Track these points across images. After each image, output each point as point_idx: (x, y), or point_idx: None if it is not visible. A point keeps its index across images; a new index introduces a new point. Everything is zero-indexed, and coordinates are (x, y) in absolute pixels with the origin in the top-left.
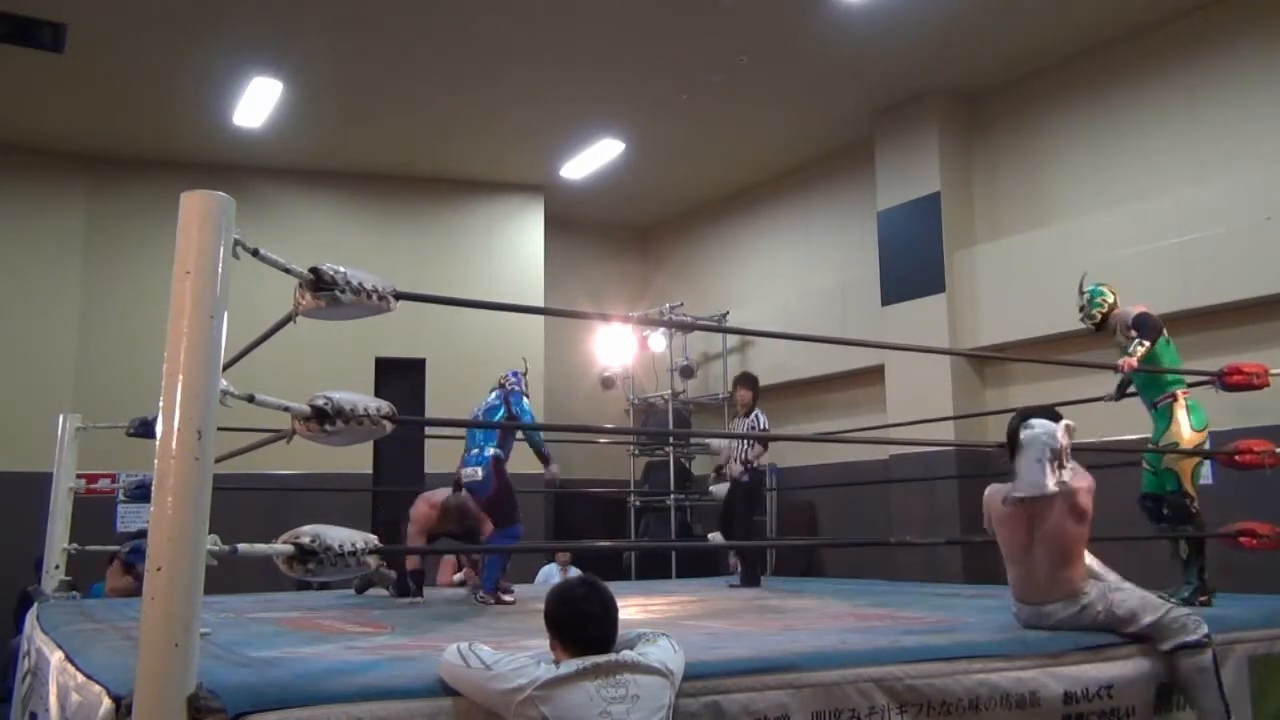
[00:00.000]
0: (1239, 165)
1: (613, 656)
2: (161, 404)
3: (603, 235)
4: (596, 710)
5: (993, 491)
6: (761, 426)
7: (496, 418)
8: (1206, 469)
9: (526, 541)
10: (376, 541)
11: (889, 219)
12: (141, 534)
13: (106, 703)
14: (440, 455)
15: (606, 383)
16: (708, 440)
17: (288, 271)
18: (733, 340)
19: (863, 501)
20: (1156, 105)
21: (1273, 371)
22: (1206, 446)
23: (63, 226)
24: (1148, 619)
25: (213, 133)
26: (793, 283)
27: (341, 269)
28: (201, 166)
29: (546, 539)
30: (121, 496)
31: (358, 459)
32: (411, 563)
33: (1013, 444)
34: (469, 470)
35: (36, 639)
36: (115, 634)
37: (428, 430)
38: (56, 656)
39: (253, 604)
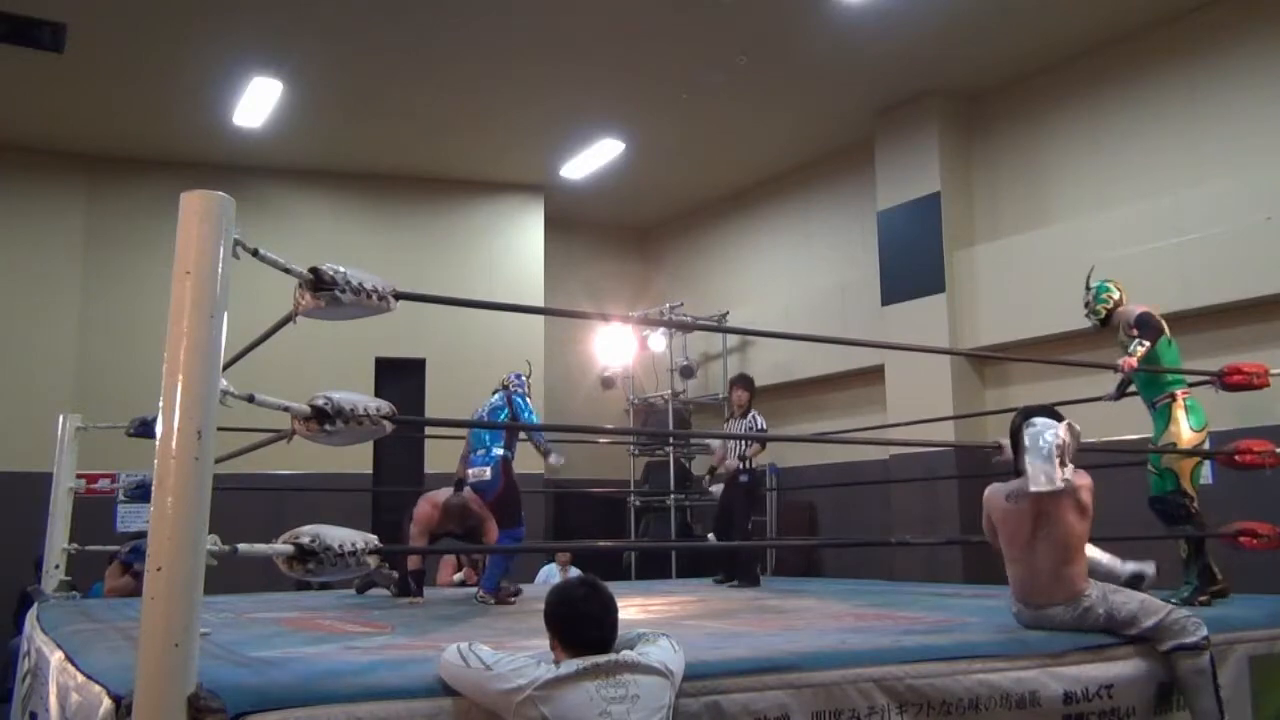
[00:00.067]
0: (1239, 165)
1: (613, 656)
2: (161, 404)
3: (603, 235)
4: (596, 710)
5: (994, 491)
6: (759, 428)
7: (501, 419)
8: (1206, 469)
9: (526, 542)
10: (376, 541)
11: (889, 219)
12: (141, 534)
13: (106, 703)
14: (440, 455)
15: (606, 383)
16: (708, 440)
17: (288, 271)
18: (733, 340)
19: (863, 501)
20: (1156, 105)
21: (1273, 371)
22: (1206, 446)
23: (63, 226)
24: (1148, 622)
25: (213, 133)
26: (793, 283)
27: (341, 269)
28: (201, 166)
29: (546, 539)
30: (121, 496)
31: (358, 459)
32: (413, 563)
33: (1015, 443)
34: (477, 470)
35: (36, 639)
36: (115, 634)
37: (428, 430)
38: (56, 656)
39: (253, 604)
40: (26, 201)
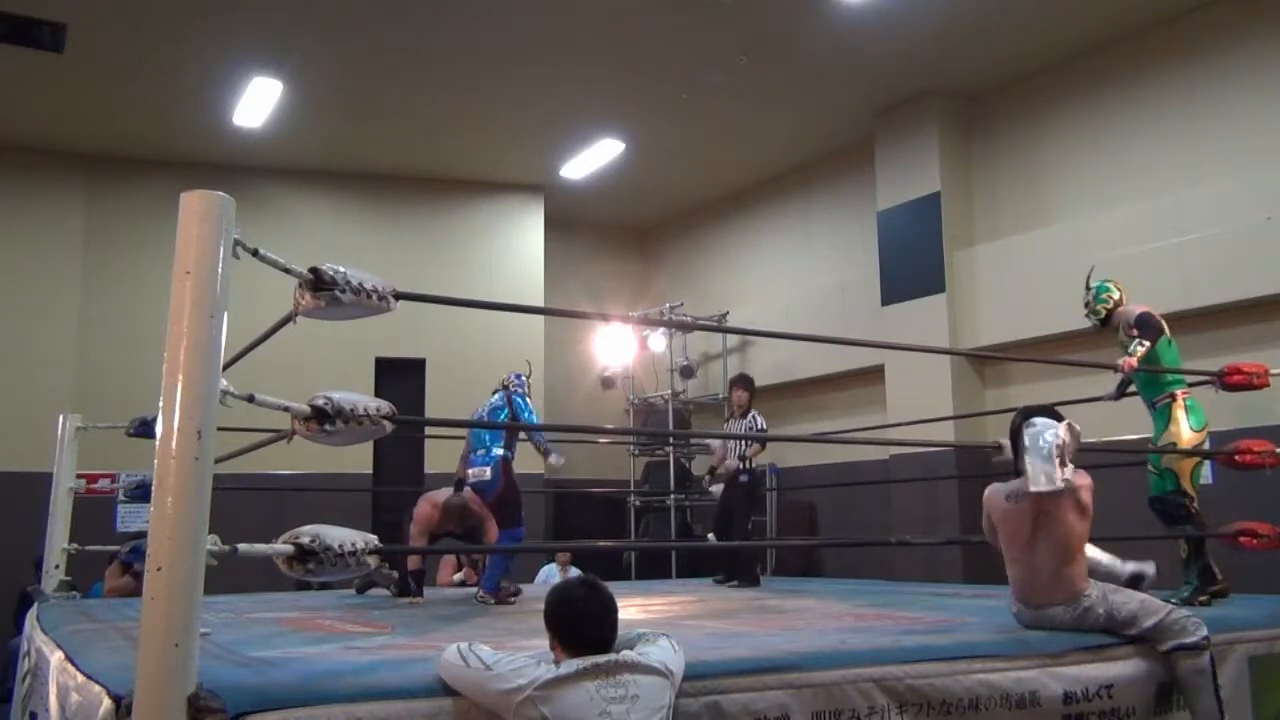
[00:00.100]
0: (1239, 165)
1: (613, 656)
2: (161, 404)
3: (603, 235)
4: (596, 710)
5: (994, 491)
6: (759, 428)
7: (501, 419)
8: (1206, 469)
9: (526, 542)
10: (376, 541)
11: (889, 219)
12: (141, 534)
13: (106, 703)
14: (440, 455)
15: (606, 383)
16: (708, 440)
17: (288, 271)
18: (733, 340)
19: (863, 501)
20: (1156, 105)
21: (1273, 371)
22: (1205, 446)
23: (63, 226)
24: (1148, 622)
25: (213, 133)
26: (793, 283)
27: (341, 269)
28: (201, 166)
29: (546, 539)
30: (121, 496)
31: (358, 459)
32: (413, 563)
33: (1015, 443)
34: (477, 470)
35: (36, 639)
36: (115, 634)
37: (428, 430)
38: (56, 656)
39: (253, 604)
40: (26, 201)
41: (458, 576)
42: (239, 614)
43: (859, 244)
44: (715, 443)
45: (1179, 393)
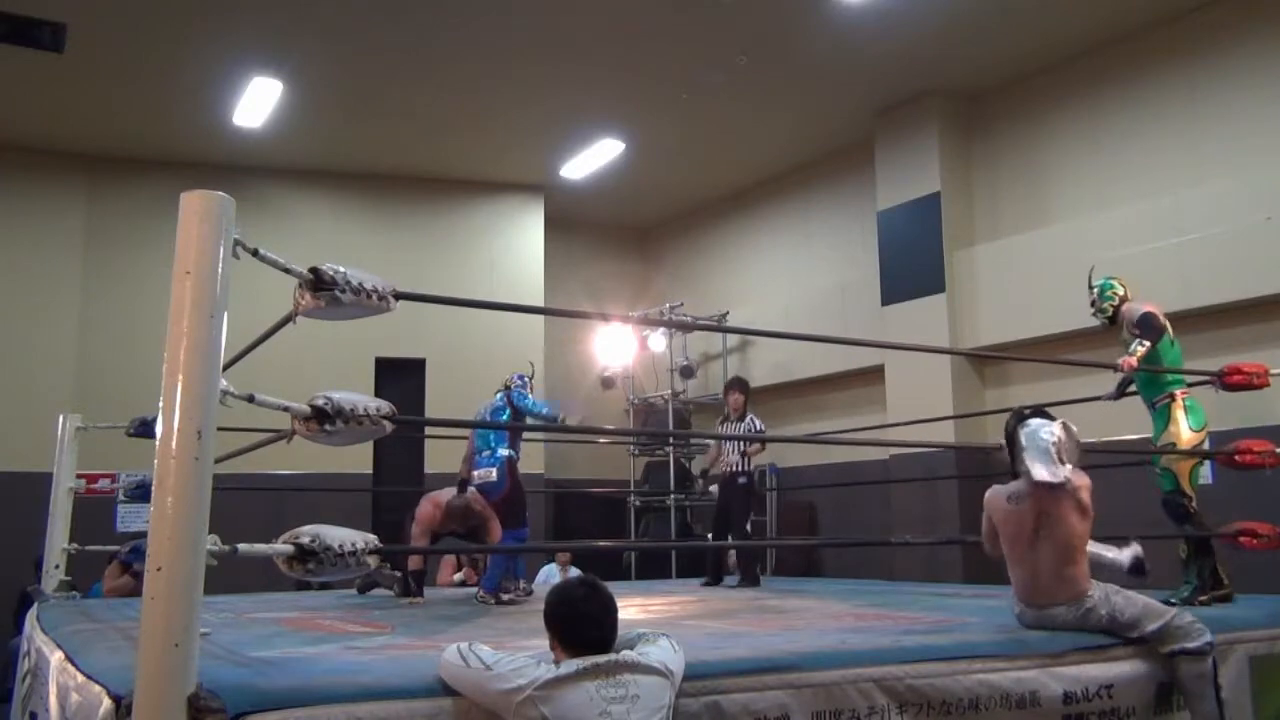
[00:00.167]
0: (1239, 165)
1: (613, 656)
2: (161, 404)
3: (603, 235)
4: (596, 710)
5: (994, 493)
6: (757, 430)
7: (503, 420)
8: (1206, 469)
9: (526, 542)
10: (376, 541)
11: (889, 219)
12: (141, 534)
13: (106, 703)
14: (440, 455)
15: (606, 383)
16: (708, 440)
17: (288, 271)
18: (733, 340)
19: (863, 501)
20: (1156, 105)
21: (1273, 371)
22: (1205, 446)
23: (63, 226)
24: (1150, 626)
25: (213, 133)
26: (793, 283)
27: (341, 269)
28: (201, 166)
29: (546, 539)
30: (121, 496)
31: (358, 459)
32: (414, 562)
33: (1011, 444)
34: (482, 472)
35: (36, 639)
36: (115, 634)
37: (428, 430)
38: (56, 656)
39: (253, 604)
40: (26, 201)
41: (458, 576)
42: (239, 614)
43: (859, 244)
44: (711, 442)
45: (1179, 393)
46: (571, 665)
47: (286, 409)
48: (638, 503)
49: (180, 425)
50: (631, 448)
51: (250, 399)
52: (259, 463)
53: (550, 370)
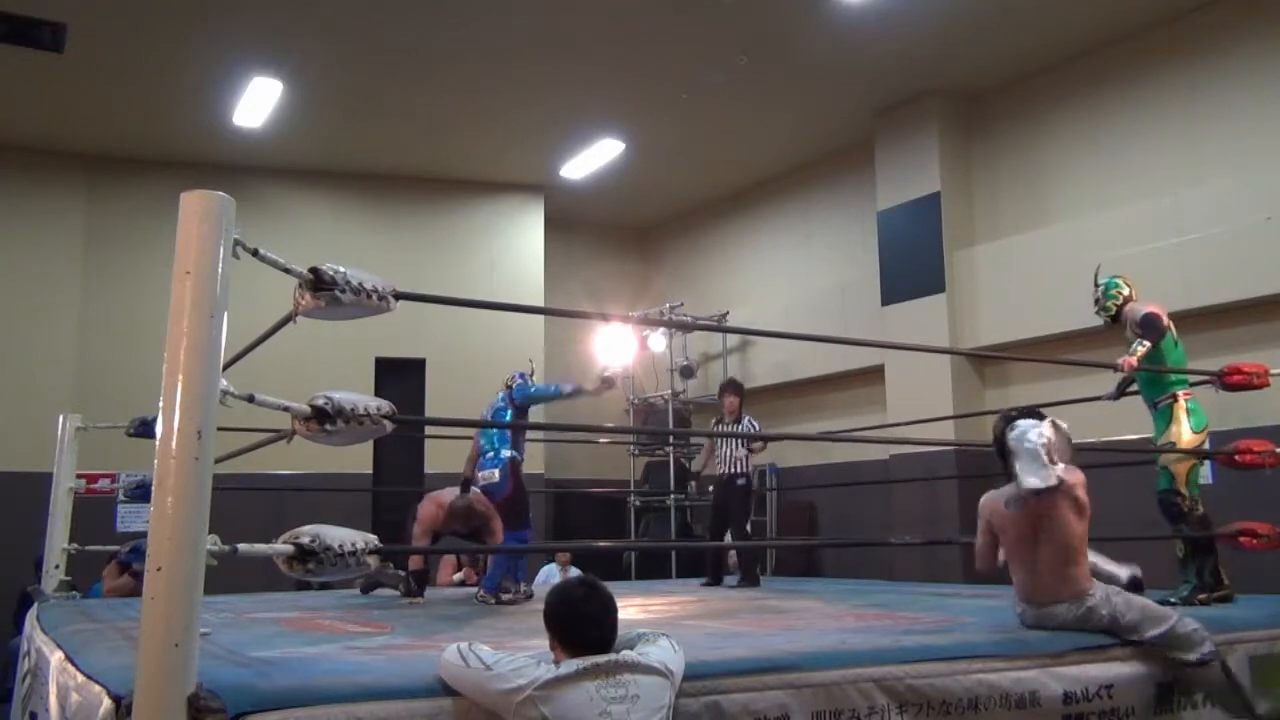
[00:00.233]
0: (1239, 165)
1: (613, 656)
2: (161, 404)
3: (603, 235)
4: (596, 710)
5: (991, 498)
6: (755, 431)
7: (505, 420)
8: (1206, 469)
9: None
10: (376, 542)
11: (889, 219)
12: (141, 534)
13: (106, 703)
14: (440, 455)
15: (607, 382)
16: (708, 440)
17: (288, 271)
18: (733, 340)
19: (863, 501)
20: (1156, 105)
21: (1273, 371)
22: (1205, 448)
23: (63, 226)
24: (1152, 632)
25: (213, 133)
26: (793, 283)
27: (341, 269)
28: (201, 166)
29: (546, 539)
30: (121, 496)
31: (358, 459)
32: (415, 562)
33: (1001, 449)
34: (486, 473)
35: (36, 639)
36: (115, 634)
37: (428, 430)
38: (56, 656)
39: (253, 604)
40: (26, 201)
41: (457, 576)
42: (239, 614)
43: (859, 244)
44: (707, 442)
45: (1181, 394)
46: (571, 665)
47: (286, 409)
48: (638, 503)
49: (180, 425)
50: (631, 448)
51: (250, 399)
52: (259, 463)
53: (550, 370)
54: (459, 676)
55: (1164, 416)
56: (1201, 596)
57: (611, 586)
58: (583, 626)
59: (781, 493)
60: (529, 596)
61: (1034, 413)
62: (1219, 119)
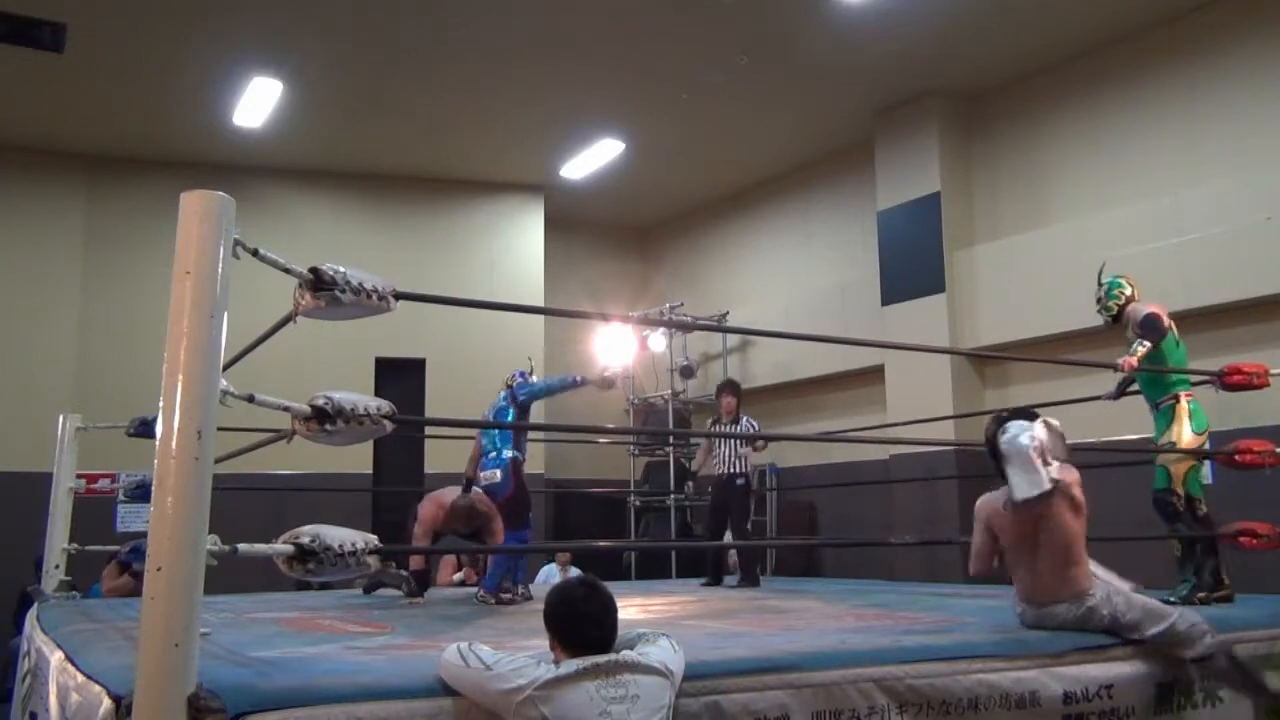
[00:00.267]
0: (1239, 165)
1: (613, 656)
2: (161, 404)
3: (603, 235)
4: (596, 710)
5: (988, 500)
6: (754, 431)
7: (507, 420)
8: (1206, 469)
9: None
10: (376, 542)
11: (889, 219)
12: (142, 534)
13: (106, 703)
14: (440, 455)
15: (606, 382)
16: (705, 440)
17: (288, 271)
18: (733, 340)
19: (863, 501)
20: (1156, 105)
21: (1273, 371)
22: (1205, 449)
23: (63, 226)
24: (1152, 630)
25: (213, 133)
26: (793, 283)
27: (341, 269)
28: (201, 166)
29: (546, 539)
30: (121, 496)
31: (358, 459)
32: (416, 562)
33: (994, 452)
34: (488, 473)
35: (36, 639)
36: (115, 634)
37: (428, 430)
38: (56, 656)
39: (253, 604)
40: (26, 201)
41: (457, 576)
42: (239, 614)
43: (859, 244)
44: (703, 442)
45: (1183, 394)
46: (571, 665)
47: (286, 409)
48: (638, 503)
49: (180, 425)
50: (631, 448)
51: (250, 399)
52: (259, 463)
53: (550, 370)
54: (459, 676)
55: (1165, 417)
56: (1201, 595)
57: (611, 586)
58: (583, 626)
59: (781, 493)
60: (528, 598)
61: (1026, 413)
62: (1219, 119)
